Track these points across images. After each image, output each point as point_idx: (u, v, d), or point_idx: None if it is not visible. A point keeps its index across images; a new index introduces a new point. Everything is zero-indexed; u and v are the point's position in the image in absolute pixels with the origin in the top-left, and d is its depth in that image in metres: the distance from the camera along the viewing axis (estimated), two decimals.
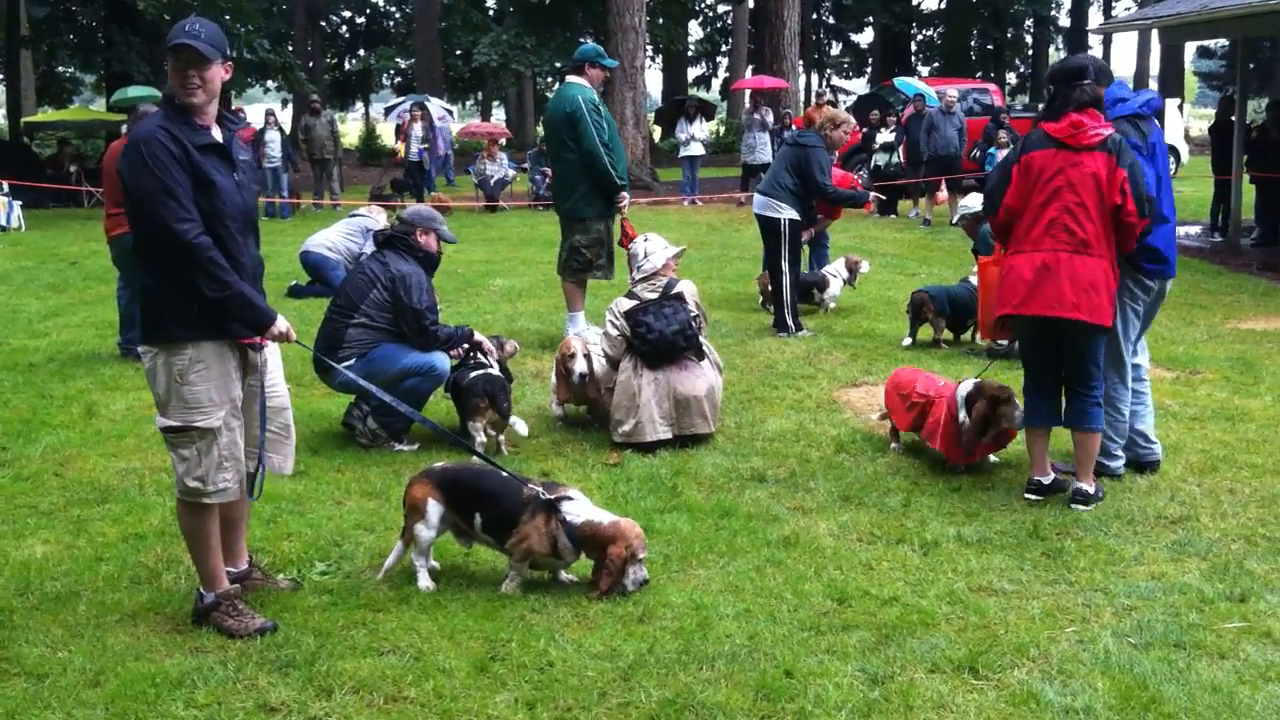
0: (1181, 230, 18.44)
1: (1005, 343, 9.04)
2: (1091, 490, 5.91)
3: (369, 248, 12.21)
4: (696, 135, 23.47)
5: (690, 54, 51.06)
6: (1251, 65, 37.19)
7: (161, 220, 4.20)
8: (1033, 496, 6.01)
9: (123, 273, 9.63)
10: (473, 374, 6.95)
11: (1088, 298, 5.68)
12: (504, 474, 5.08)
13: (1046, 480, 6.04)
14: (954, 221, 9.84)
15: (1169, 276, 6.35)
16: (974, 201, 9.70)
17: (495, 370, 7.08)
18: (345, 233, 12.75)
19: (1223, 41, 43.45)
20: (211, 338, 4.38)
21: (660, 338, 6.87)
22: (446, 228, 7.38)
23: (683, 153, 23.58)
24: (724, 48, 51.98)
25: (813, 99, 32.98)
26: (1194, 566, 5.11)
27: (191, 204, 4.24)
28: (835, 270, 11.37)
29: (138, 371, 8.30)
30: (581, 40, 32.12)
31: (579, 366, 7.12)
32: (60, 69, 40.16)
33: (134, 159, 4.24)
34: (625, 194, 9.40)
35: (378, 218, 13.03)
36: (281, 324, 4.51)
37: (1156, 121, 6.32)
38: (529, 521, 4.82)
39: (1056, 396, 6.11)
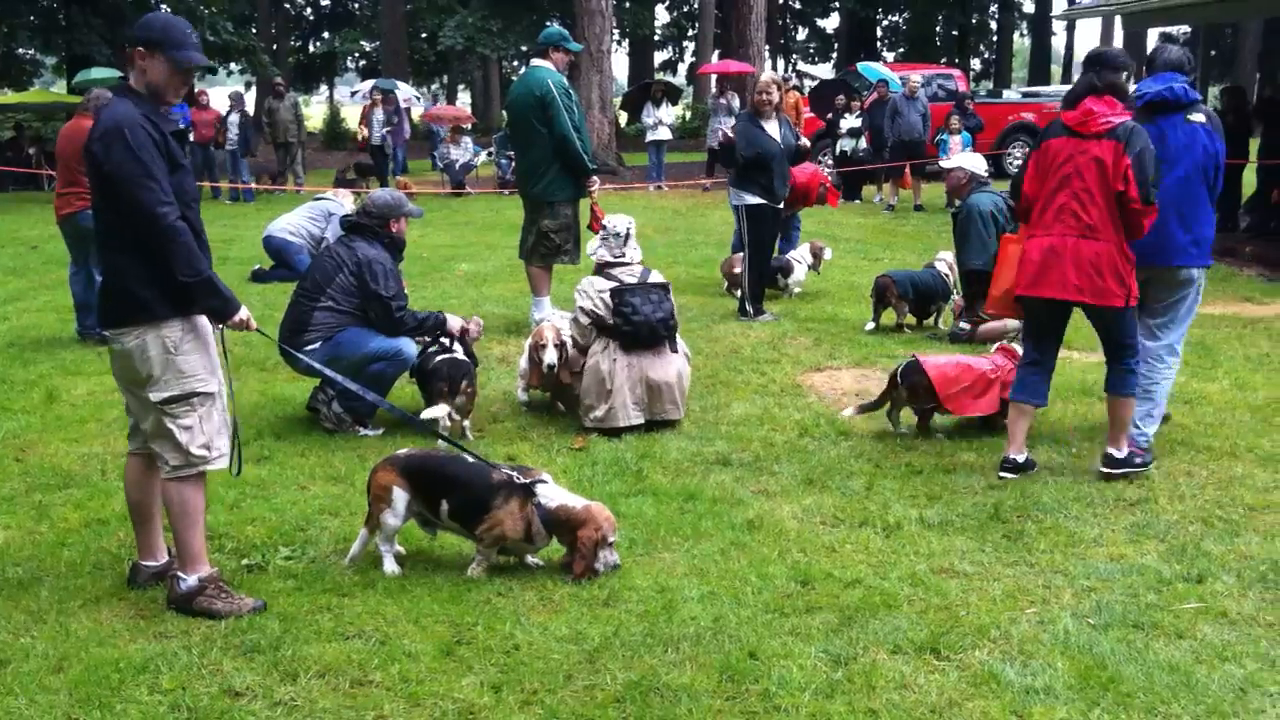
0: None
1: (968, 327, 9.12)
2: (1121, 455, 6.07)
3: (331, 231, 12.18)
4: (664, 120, 23.45)
5: (657, 38, 50.98)
6: (1213, 52, 37.52)
7: (144, 204, 4.28)
8: (1007, 475, 6.10)
9: (75, 254, 9.54)
10: (437, 358, 6.94)
11: (1091, 281, 5.86)
12: (471, 459, 5.08)
13: (1021, 458, 6.14)
14: (947, 170, 9.82)
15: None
16: (971, 162, 9.67)
17: (460, 354, 7.06)
18: (308, 216, 12.68)
19: (1185, 28, 43.80)
20: (193, 312, 4.52)
21: (645, 321, 6.88)
22: (410, 205, 7.36)
23: (650, 137, 23.54)
24: (690, 32, 51.89)
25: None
26: (1152, 548, 5.18)
27: (169, 189, 4.34)
28: (799, 256, 11.41)
29: (100, 356, 8.25)
30: (548, 23, 32.04)
31: (548, 357, 7.11)
32: (20, 51, 39.58)
33: (116, 143, 4.29)
34: (595, 178, 9.40)
35: (343, 201, 12.97)
36: (243, 313, 4.59)
37: (1192, 114, 6.30)
38: (502, 507, 4.82)
39: (1048, 379, 6.28)
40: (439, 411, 6.61)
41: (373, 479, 5.02)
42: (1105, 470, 6.07)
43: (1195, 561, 5.00)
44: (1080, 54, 63.92)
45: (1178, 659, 4.15)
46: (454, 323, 7.21)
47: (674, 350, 7.09)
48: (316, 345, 6.83)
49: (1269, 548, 5.14)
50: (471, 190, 23.12)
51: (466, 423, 6.95)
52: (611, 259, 7.17)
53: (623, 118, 31.81)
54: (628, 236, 7.21)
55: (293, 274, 11.49)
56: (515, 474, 4.95)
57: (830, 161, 20.89)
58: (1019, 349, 6.81)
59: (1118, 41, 48.40)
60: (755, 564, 5.01)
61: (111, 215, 4.40)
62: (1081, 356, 8.73)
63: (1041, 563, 5.03)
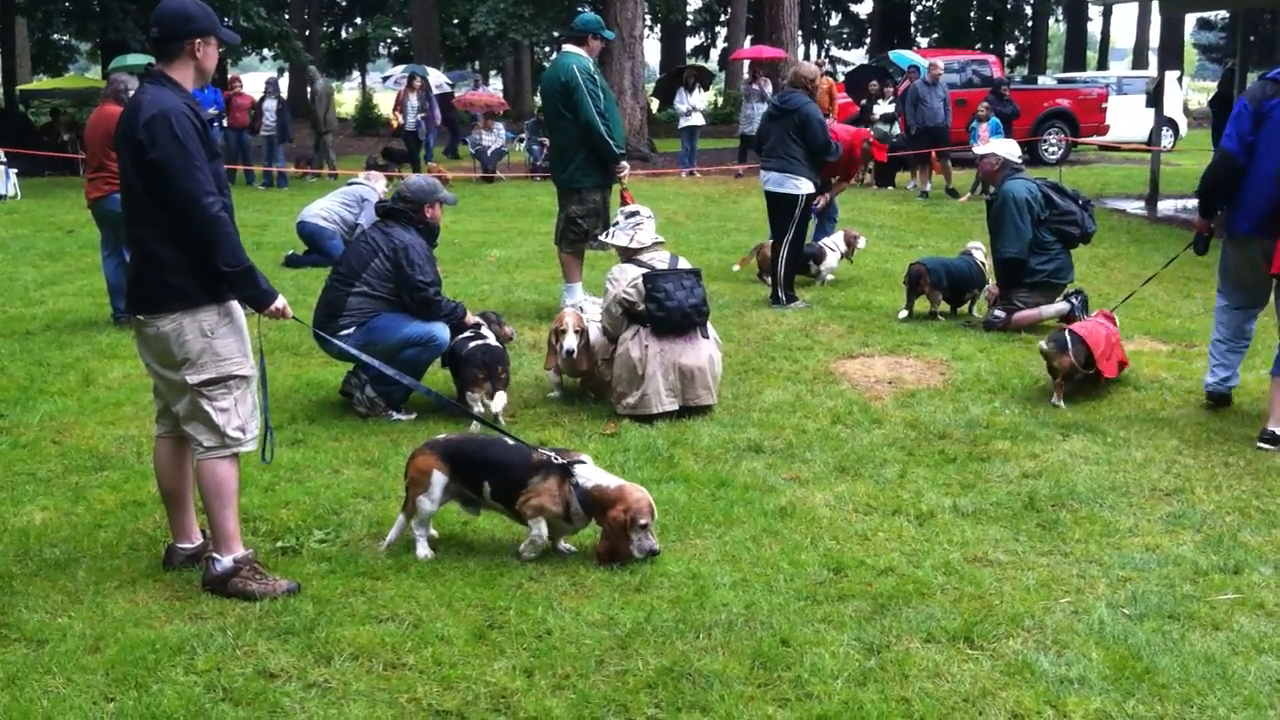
0: (1180, 203, 18.45)
1: (1002, 315, 9.06)
2: None
3: (365, 216, 12.21)
4: (696, 105, 23.38)
5: (689, 23, 50.83)
6: (1252, 38, 37.07)
7: (191, 193, 4.35)
8: (1266, 446, 6.29)
9: (106, 237, 9.63)
10: (471, 344, 6.95)
11: None
12: (510, 441, 5.11)
13: None
14: (980, 156, 9.78)
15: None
16: (1004, 148, 9.60)
17: (493, 341, 7.08)
18: (341, 201, 12.71)
19: (1223, 14, 43.32)
20: (228, 298, 4.59)
21: (679, 306, 6.88)
22: (445, 192, 7.39)
23: (682, 123, 23.47)
24: (722, 17, 51.72)
25: None
26: (1188, 538, 5.14)
27: (210, 178, 4.41)
28: (834, 243, 11.36)
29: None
30: (580, 9, 31.98)
31: (568, 342, 7.12)
32: (55, 36, 39.91)
33: (163, 131, 4.34)
34: (625, 164, 9.38)
35: (376, 185, 13.00)
36: (280, 301, 4.65)
37: None
38: (541, 483, 4.85)
39: None
40: (501, 400, 6.70)
41: (411, 463, 5.04)
42: (1262, 445, 6.33)
43: (1232, 552, 4.96)
44: (1117, 40, 63.40)
45: (1214, 650, 4.11)
46: (469, 318, 7.25)
47: (705, 337, 7.07)
48: (351, 330, 6.86)
49: None
50: (503, 176, 23.13)
51: (499, 408, 6.96)
52: (626, 244, 7.16)
53: (655, 104, 31.74)
54: (634, 214, 7.23)
55: (326, 259, 11.53)
56: (554, 455, 4.96)
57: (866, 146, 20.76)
58: (1115, 315, 7.74)
59: (1155, 28, 47.98)
60: (787, 551, 5.00)
61: (150, 202, 4.42)
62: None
63: (1076, 552, 5.00)
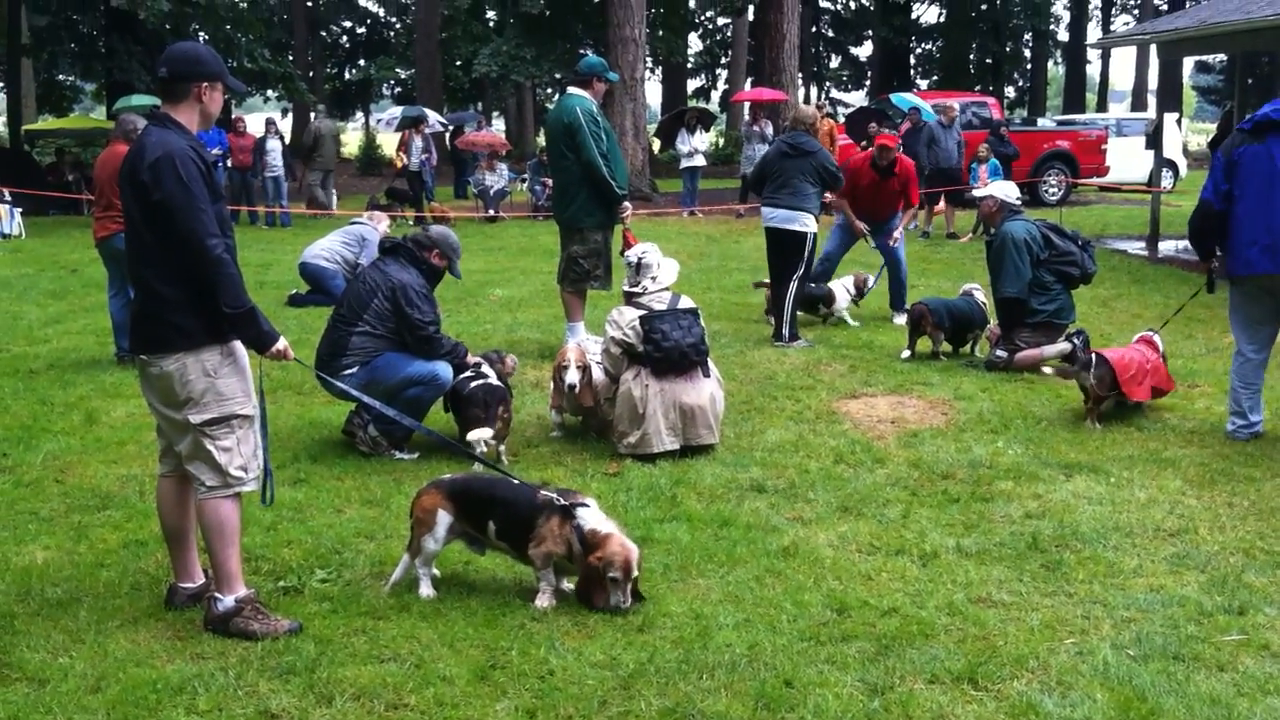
0: (1180, 244, 18.49)
1: (1004, 354, 9.07)
2: None
3: (365, 256, 12.27)
4: (697, 146, 23.51)
5: (690, 65, 51.15)
6: (1250, 80, 37.28)
7: (195, 234, 4.37)
8: None
9: (113, 276, 9.64)
10: (473, 384, 6.96)
11: None
12: (515, 481, 5.11)
13: None
14: (979, 198, 9.88)
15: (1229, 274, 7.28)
16: (1002, 189, 9.65)
17: (495, 380, 7.09)
18: (342, 241, 12.79)
19: (1221, 56, 43.59)
20: (230, 339, 4.59)
21: (675, 346, 6.90)
22: (459, 265, 7.45)
23: (683, 164, 23.61)
24: (723, 60, 52.07)
25: None
26: (1193, 579, 5.12)
27: (214, 220, 4.44)
28: (845, 285, 11.34)
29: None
30: (582, 51, 32.20)
31: (569, 377, 7.15)
32: (61, 77, 40.20)
33: (167, 172, 4.37)
34: (627, 204, 9.43)
35: (378, 226, 13.05)
36: (281, 343, 4.66)
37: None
38: (544, 524, 4.84)
39: None
40: (484, 434, 6.63)
41: (416, 502, 5.03)
42: None
43: (1237, 593, 4.94)
44: (1115, 82, 63.75)
45: (1219, 692, 4.09)
46: (469, 359, 7.27)
47: (706, 375, 7.09)
48: (354, 370, 6.87)
49: None
50: (505, 216, 23.23)
51: (502, 447, 6.97)
52: (628, 289, 7.19)
53: (656, 144, 31.91)
54: (639, 266, 7.21)
55: (329, 299, 11.56)
56: (557, 496, 4.96)
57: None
58: (1159, 340, 8.03)
59: (1153, 70, 48.28)
60: (790, 591, 4.98)
61: (154, 242, 4.44)
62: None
63: (1080, 593, 4.98)
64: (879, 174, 11.40)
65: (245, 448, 4.62)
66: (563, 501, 4.91)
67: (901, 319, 11.10)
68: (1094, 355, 7.70)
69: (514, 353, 8.36)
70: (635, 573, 4.78)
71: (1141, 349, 7.92)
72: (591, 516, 4.88)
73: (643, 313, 7.01)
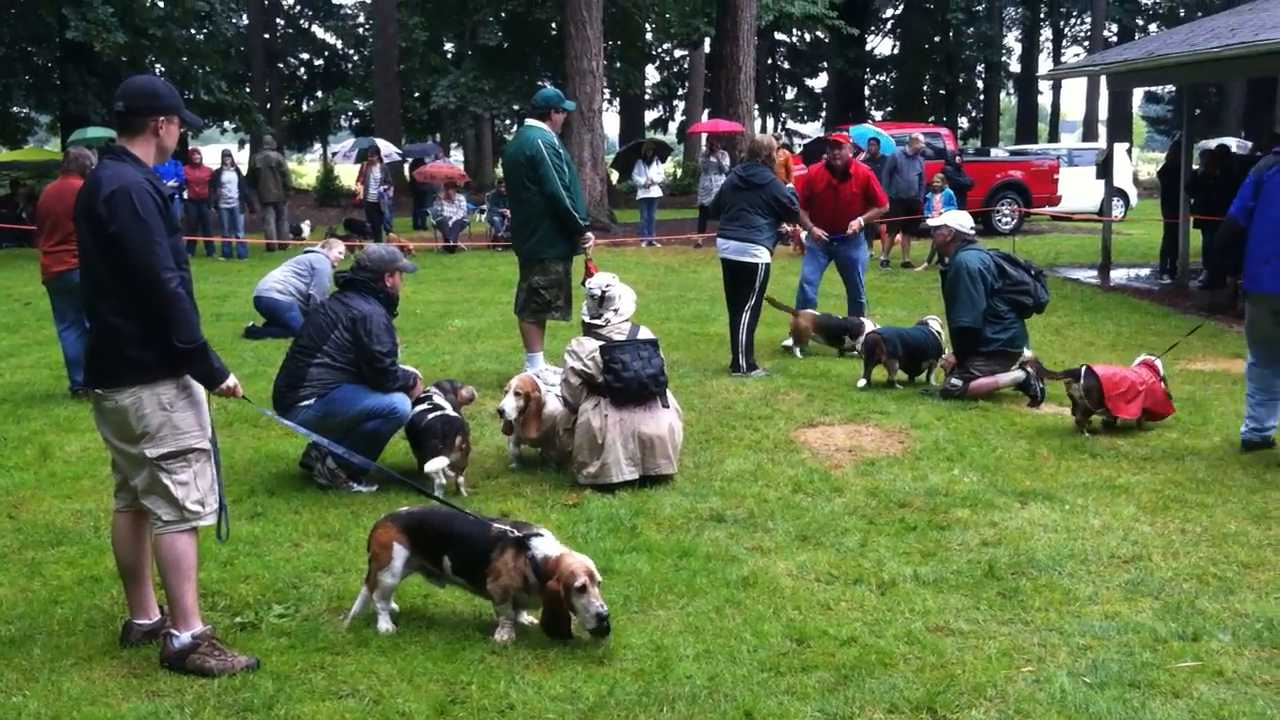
0: (1132, 271, 18.78)
1: (959, 383, 9.15)
2: None
3: (316, 284, 12.28)
4: (654, 178, 23.63)
5: (648, 97, 51.42)
6: (1197, 110, 37.94)
7: (150, 267, 4.36)
8: None
9: (63, 311, 9.53)
10: (430, 415, 6.95)
11: None
12: (470, 515, 5.08)
13: None
14: (933, 228, 9.93)
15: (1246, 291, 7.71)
16: (956, 219, 9.73)
17: (451, 411, 7.08)
18: (294, 271, 12.80)
19: (1170, 87, 44.32)
20: (185, 373, 4.56)
21: (635, 377, 6.92)
22: (404, 260, 7.42)
23: (641, 194, 23.72)
24: (681, 91, 52.39)
25: None
26: (1147, 606, 5.17)
27: (169, 254, 4.42)
28: (869, 320, 11.18)
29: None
30: (540, 84, 32.28)
31: (503, 403, 7.20)
32: (15, 109, 39.83)
33: (123, 207, 4.36)
34: (590, 234, 9.46)
35: (330, 253, 13.02)
36: (231, 380, 4.63)
37: None
38: (499, 558, 4.80)
39: None
40: (440, 464, 6.62)
41: (373, 536, 5.00)
42: None
43: (1190, 619, 5.00)
44: (1067, 112, 64.60)
45: (1174, 719, 4.14)
46: (417, 389, 7.31)
47: (665, 406, 7.11)
48: (311, 402, 6.85)
49: (1264, 605, 5.14)
50: (464, 246, 23.22)
51: (461, 479, 6.95)
52: (589, 320, 7.21)
53: (614, 175, 32.05)
54: (603, 299, 7.22)
55: (286, 331, 11.52)
56: (511, 528, 4.94)
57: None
58: (1159, 364, 8.33)
59: (1103, 101, 49.00)
60: (750, 622, 4.99)
61: (109, 276, 4.42)
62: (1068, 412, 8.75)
63: (1037, 620, 5.02)
64: (834, 176, 11.35)
65: (202, 481, 4.60)
66: (516, 533, 4.89)
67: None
68: (1085, 368, 8.12)
69: (473, 383, 8.36)
70: (599, 577, 4.77)
71: (1140, 371, 8.24)
72: (545, 545, 4.86)
73: (602, 343, 7.03)
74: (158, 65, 29.29)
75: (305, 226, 21.97)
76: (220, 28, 36.69)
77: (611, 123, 54.79)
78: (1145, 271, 18.90)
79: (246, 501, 6.69)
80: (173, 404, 4.50)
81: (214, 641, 4.59)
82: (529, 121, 9.60)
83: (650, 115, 55.04)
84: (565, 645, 4.74)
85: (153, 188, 4.45)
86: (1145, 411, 8.15)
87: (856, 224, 11.62)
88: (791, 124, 57.09)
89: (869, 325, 10.78)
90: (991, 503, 6.61)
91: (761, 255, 10.10)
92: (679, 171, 41.09)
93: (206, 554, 5.35)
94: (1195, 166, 17.60)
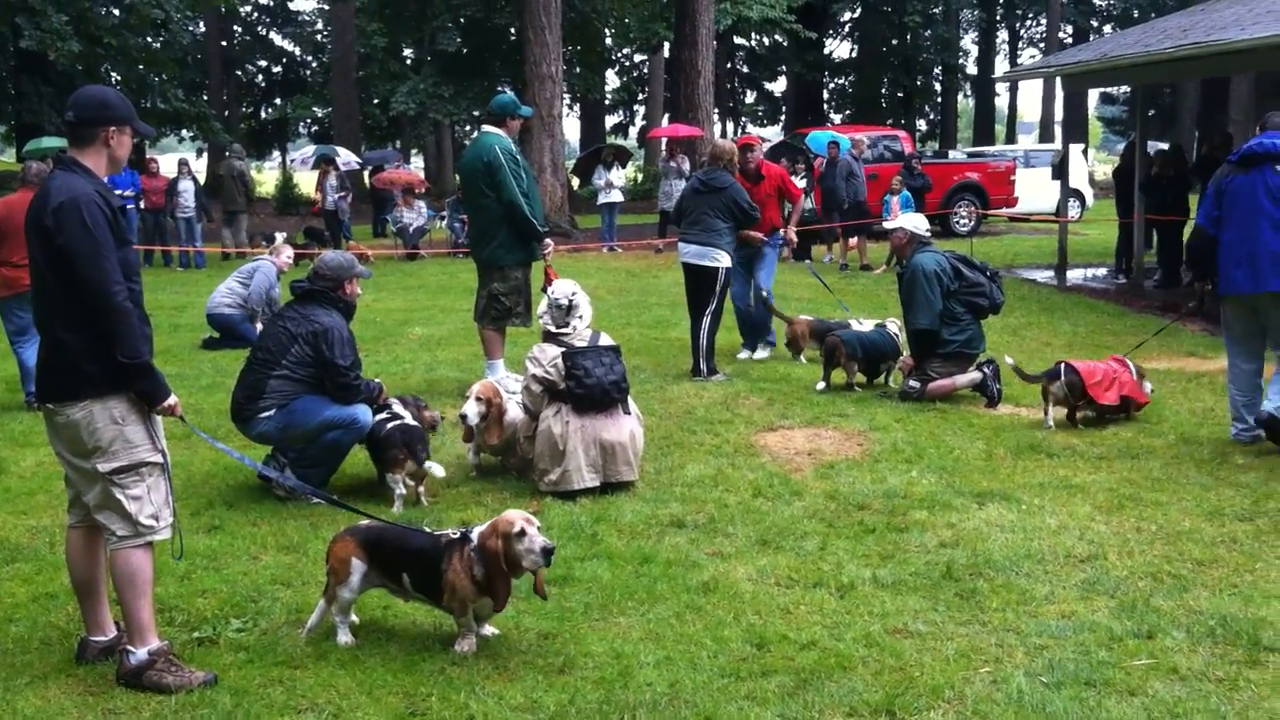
0: (1088, 272, 18.96)
1: (917, 385, 9.21)
2: None
3: (255, 287, 12.30)
4: (614, 182, 23.64)
5: (607, 102, 51.43)
6: (1151, 112, 38.33)
7: (97, 281, 4.31)
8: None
9: (21, 324, 9.42)
10: (389, 425, 6.93)
11: None
12: (425, 532, 5.04)
13: None
14: (889, 230, 9.97)
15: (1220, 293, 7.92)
16: (912, 222, 9.80)
17: (410, 420, 7.05)
18: (239, 280, 12.87)
19: (1125, 88, 44.76)
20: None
21: (598, 383, 6.92)
22: (360, 266, 7.38)
23: (601, 200, 23.73)
24: (641, 96, 52.42)
25: None
26: (1103, 604, 5.22)
27: (118, 267, 4.38)
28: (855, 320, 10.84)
29: None
30: (500, 89, 32.23)
31: (465, 408, 7.20)
32: None
33: (71, 219, 4.31)
34: (549, 241, 9.45)
35: (277, 258, 13.00)
36: (171, 399, 4.58)
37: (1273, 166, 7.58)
38: (450, 568, 4.76)
39: None
40: (439, 471, 6.79)
41: (331, 550, 4.97)
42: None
43: (1145, 617, 5.05)
44: (1024, 114, 65.16)
45: (1130, 716, 4.18)
46: (383, 398, 7.28)
47: (626, 412, 7.12)
48: (271, 413, 6.81)
49: (1217, 602, 5.20)
50: (424, 253, 23.15)
51: (421, 488, 6.93)
52: (555, 329, 7.20)
53: (575, 181, 32.06)
54: (571, 307, 7.21)
55: (243, 343, 11.45)
56: (454, 530, 4.92)
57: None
58: (1129, 362, 8.60)
59: (1059, 102, 49.39)
60: (711, 627, 5.01)
61: (58, 289, 4.38)
62: (1030, 414, 8.84)
63: (994, 621, 5.06)
64: (747, 179, 11.09)
65: (156, 495, 4.56)
66: (456, 534, 4.87)
67: (762, 353, 11.27)
68: (1062, 365, 8.43)
69: (434, 391, 8.34)
70: (537, 522, 4.75)
71: (1111, 364, 8.56)
72: (480, 526, 4.85)
73: (564, 349, 7.03)
74: (113, 74, 29.04)
75: (279, 236, 21.77)
76: (176, 36, 36.37)
77: (572, 128, 54.92)
78: (1102, 271, 19.09)
79: (204, 514, 6.64)
80: (124, 418, 4.46)
81: (170, 657, 4.55)
82: (485, 128, 9.57)
83: (610, 120, 55.06)
84: (529, 653, 4.74)
85: (102, 200, 4.41)
86: (1124, 399, 8.44)
87: (791, 235, 12.12)
88: (751, 128, 57.28)
89: (854, 325, 10.43)
90: (949, 504, 6.66)
91: (722, 259, 10.12)
92: (640, 176, 41.14)
93: (163, 568, 5.30)
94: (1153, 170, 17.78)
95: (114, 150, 4.56)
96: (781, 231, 11.68)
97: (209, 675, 4.53)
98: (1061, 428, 8.31)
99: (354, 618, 5.04)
